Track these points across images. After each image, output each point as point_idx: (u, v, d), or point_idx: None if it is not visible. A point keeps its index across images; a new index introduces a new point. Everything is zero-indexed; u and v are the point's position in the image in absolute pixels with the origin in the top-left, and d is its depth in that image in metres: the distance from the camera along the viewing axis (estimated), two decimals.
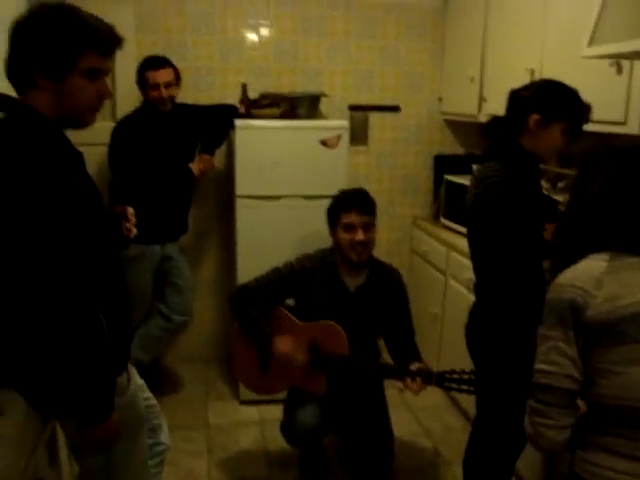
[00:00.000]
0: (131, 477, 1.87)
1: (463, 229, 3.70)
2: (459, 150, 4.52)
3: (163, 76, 3.51)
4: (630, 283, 1.50)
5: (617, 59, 2.47)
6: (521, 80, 2.64)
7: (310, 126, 3.72)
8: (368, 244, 2.75)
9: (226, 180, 4.11)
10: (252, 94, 3.90)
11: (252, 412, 3.72)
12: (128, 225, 1.97)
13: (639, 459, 1.48)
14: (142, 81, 3.54)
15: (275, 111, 3.77)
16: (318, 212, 3.60)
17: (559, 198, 2.76)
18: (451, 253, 3.74)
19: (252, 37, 4.18)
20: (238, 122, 3.65)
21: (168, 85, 3.53)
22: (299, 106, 3.81)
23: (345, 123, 3.78)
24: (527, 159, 2.33)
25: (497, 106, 2.91)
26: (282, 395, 2.99)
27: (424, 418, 3.64)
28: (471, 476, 2.56)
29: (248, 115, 3.77)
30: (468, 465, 2.57)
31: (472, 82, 3.83)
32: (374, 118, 4.43)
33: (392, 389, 2.91)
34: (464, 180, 3.79)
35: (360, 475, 2.99)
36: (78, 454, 1.84)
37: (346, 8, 4.22)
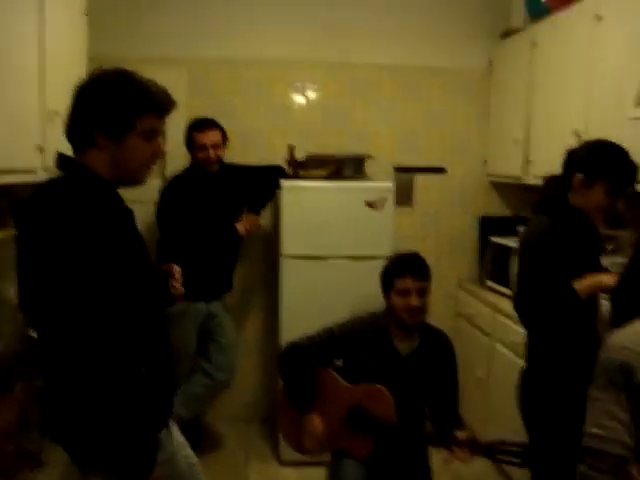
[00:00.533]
0: None
1: (509, 291, 3.67)
2: (505, 212, 4.49)
3: (210, 137, 3.60)
4: None
5: None
6: (566, 142, 2.65)
7: (356, 187, 3.75)
8: (423, 309, 2.71)
9: (272, 239, 4.15)
10: (299, 155, 3.96)
11: (292, 474, 3.66)
12: (175, 283, 1.99)
13: None
14: (190, 142, 3.64)
15: (321, 172, 3.82)
16: (364, 273, 3.62)
17: (606, 261, 2.71)
18: (497, 316, 3.68)
19: (300, 100, 4.28)
20: (285, 183, 3.71)
21: (215, 146, 3.61)
22: (345, 167, 3.85)
23: (390, 185, 3.80)
24: (574, 216, 2.35)
25: (543, 168, 2.92)
26: (324, 456, 2.93)
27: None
28: None
29: (295, 176, 3.83)
30: None
31: (517, 144, 3.84)
32: (420, 179, 4.45)
33: (437, 456, 2.83)
34: (510, 242, 3.76)
35: None
36: None
37: (393, 72, 4.31)
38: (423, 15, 4.30)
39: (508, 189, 4.42)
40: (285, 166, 3.93)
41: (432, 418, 2.81)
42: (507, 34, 4.17)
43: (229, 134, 3.70)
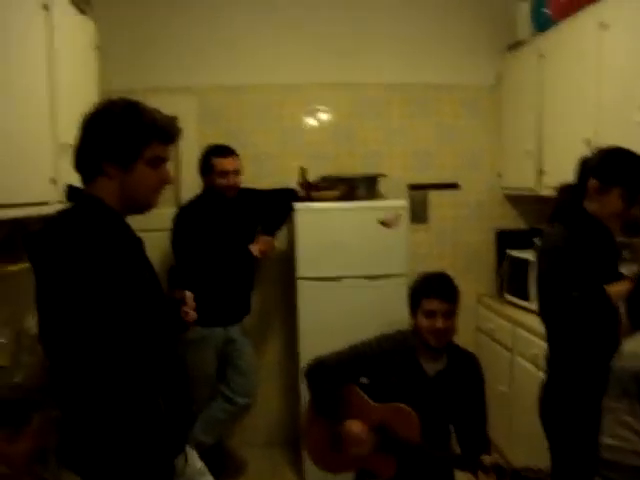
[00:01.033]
0: None
1: (528, 304, 3.64)
2: (521, 224, 4.47)
3: (232, 164, 3.61)
4: None
5: None
6: (578, 151, 2.64)
7: (369, 207, 3.76)
8: (448, 331, 2.67)
9: (287, 262, 4.15)
10: (311, 177, 3.98)
11: None
12: (187, 309, 2.00)
13: None
14: (207, 168, 3.62)
15: (334, 193, 3.83)
16: (380, 292, 3.61)
17: (623, 269, 2.68)
18: (517, 330, 3.65)
19: (310, 122, 4.31)
20: (298, 205, 3.73)
21: (236, 172, 3.62)
22: (358, 187, 3.86)
23: (403, 202, 3.80)
24: (590, 223, 2.33)
25: (556, 178, 2.90)
26: (347, 478, 2.91)
27: None
28: None
29: (308, 198, 3.84)
30: None
31: (530, 156, 3.83)
32: (433, 196, 4.45)
33: (462, 477, 2.78)
34: (527, 255, 3.73)
35: None
36: None
37: (402, 90, 4.33)
38: (429, 32, 4.33)
39: (523, 201, 4.40)
40: (298, 188, 3.94)
41: (459, 440, 2.77)
42: (514, 47, 4.18)
43: (241, 159, 3.72)
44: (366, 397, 2.71)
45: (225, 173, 3.58)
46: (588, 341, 2.31)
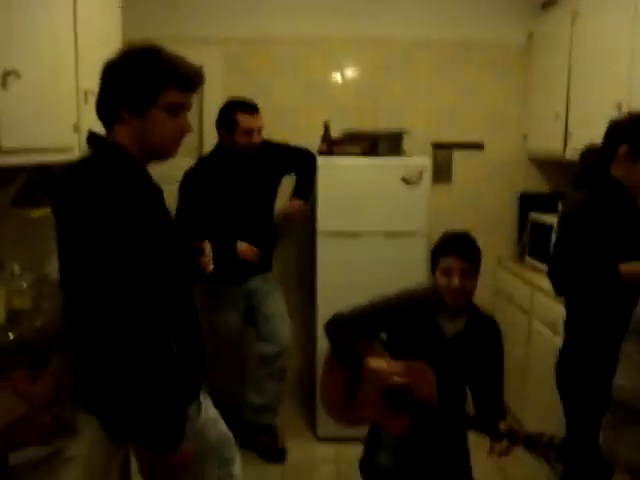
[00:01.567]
0: None
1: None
2: (544, 188, 4.42)
3: (257, 122, 3.48)
4: None
5: None
6: (608, 115, 2.57)
7: (391, 164, 3.73)
8: (464, 291, 2.64)
9: (308, 216, 4.15)
10: (335, 132, 3.95)
11: (329, 450, 3.69)
12: (205, 259, 2.01)
13: None
14: (230, 124, 3.45)
15: (357, 149, 3.80)
16: (399, 249, 3.60)
17: None
18: (535, 293, 3.63)
19: (335, 76, 4.26)
20: (320, 160, 3.71)
21: (259, 130, 3.51)
22: (380, 144, 3.82)
23: (426, 160, 3.77)
24: (617, 189, 2.27)
25: (584, 143, 2.85)
26: (360, 432, 2.94)
27: (506, 465, 3.51)
28: None
29: (330, 152, 3.81)
30: None
31: (557, 119, 3.75)
32: (458, 156, 4.40)
33: (475, 439, 2.80)
34: (550, 219, 3.69)
35: None
36: None
37: (428, 46, 4.26)
38: None
39: (548, 165, 4.34)
40: (320, 143, 3.90)
41: (475, 403, 2.78)
42: (547, 4, 4.07)
43: (265, 112, 3.68)
44: (384, 354, 2.72)
45: (250, 131, 3.44)
46: (599, 309, 2.29)
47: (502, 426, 2.46)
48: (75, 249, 1.59)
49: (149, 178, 1.75)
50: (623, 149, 2.26)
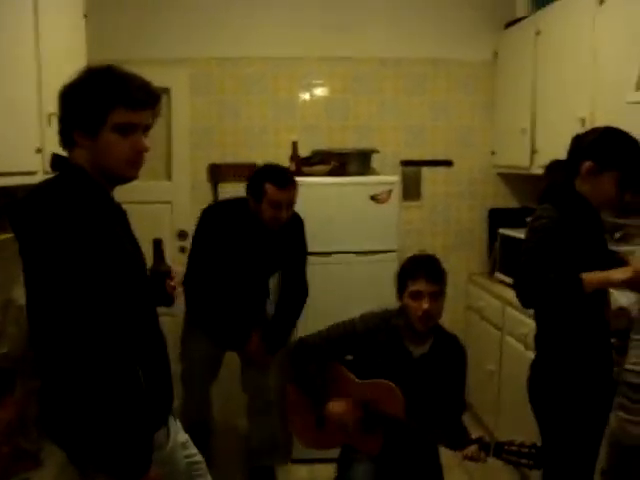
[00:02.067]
0: None
1: None
2: (513, 203, 4.46)
3: (288, 196, 3.10)
4: None
5: None
6: (572, 130, 2.60)
7: (360, 182, 3.73)
8: (434, 313, 2.65)
9: None
10: (304, 151, 3.95)
11: (302, 471, 3.65)
12: (172, 283, 1.97)
13: None
14: (259, 193, 3.08)
15: (325, 168, 3.80)
16: (370, 268, 3.60)
17: (616, 249, 2.67)
18: (507, 308, 3.65)
19: (304, 96, 4.27)
20: None
21: (289, 205, 3.14)
22: (349, 162, 3.83)
23: (394, 178, 3.78)
24: (581, 204, 2.28)
25: (550, 157, 2.88)
26: (333, 454, 2.92)
27: (480, 479, 3.50)
28: None
29: (298, 172, 3.80)
30: None
31: (523, 134, 3.80)
32: (426, 173, 4.43)
33: (447, 453, 2.80)
34: (519, 234, 3.72)
35: None
36: None
37: (395, 65, 4.29)
38: (426, 7, 4.27)
39: (516, 180, 4.39)
40: (289, 162, 3.89)
41: (439, 420, 2.78)
42: (511, 24, 4.13)
43: (233, 132, 3.67)
44: (350, 375, 2.72)
45: (279, 205, 3.07)
46: (572, 322, 2.30)
47: (472, 436, 2.47)
48: (36, 273, 1.56)
49: (111, 200, 1.72)
50: (587, 165, 2.26)
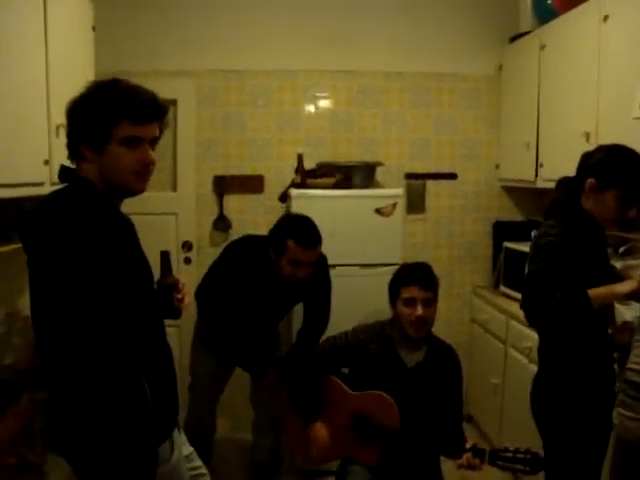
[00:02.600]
0: None
1: None
2: (518, 217, 4.46)
3: (310, 256, 2.98)
4: None
5: None
6: (577, 144, 2.62)
7: (365, 195, 3.74)
8: (427, 320, 2.68)
9: None
10: (309, 164, 3.97)
11: None
12: (179, 296, 1.97)
13: None
14: (280, 248, 2.97)
15: (329, 181, 3.81)
16: (374, 281, 3.59)
17: (618, 263, 2.67)
18: (511, 322, 3.64)
19: (309, 108, 4.29)
20: (293, 192, 3.71)
21: (309, 265, 3.02)
22: (354, 175, 3.85)
23: (399, 191, 3.79)
24: (585, 220, 2.30)
25: (554, 171, 2.89)
26: (335, 465, 2.92)
27: None
28: None
29: (303, 185, 3.81)
30: None
31: (528, 148, 3.81)
32: (431, 186, 4.43)
33: (448, 463, 2.79)
34: (524, 247, 3.72)
35: None
36: None
37: (400, 78, 4.31)
38: (430, 21, 4.29)
39: (520, 193, 4.39)
40: (294, 175, 3.91)
41: (437, 429, 2.78)
42: (516, 38, 4.15)
43: (238, 144, 3.68)
44: (345, 387, 2.73)
45: (299, 264, 2.97)
46: (572, 336, 2.30)
47: (467, 445, 2.47)
48: (44, 284, 1.57)
49: (119, 212, 1.73)
50: (589, 182, 2.29)
